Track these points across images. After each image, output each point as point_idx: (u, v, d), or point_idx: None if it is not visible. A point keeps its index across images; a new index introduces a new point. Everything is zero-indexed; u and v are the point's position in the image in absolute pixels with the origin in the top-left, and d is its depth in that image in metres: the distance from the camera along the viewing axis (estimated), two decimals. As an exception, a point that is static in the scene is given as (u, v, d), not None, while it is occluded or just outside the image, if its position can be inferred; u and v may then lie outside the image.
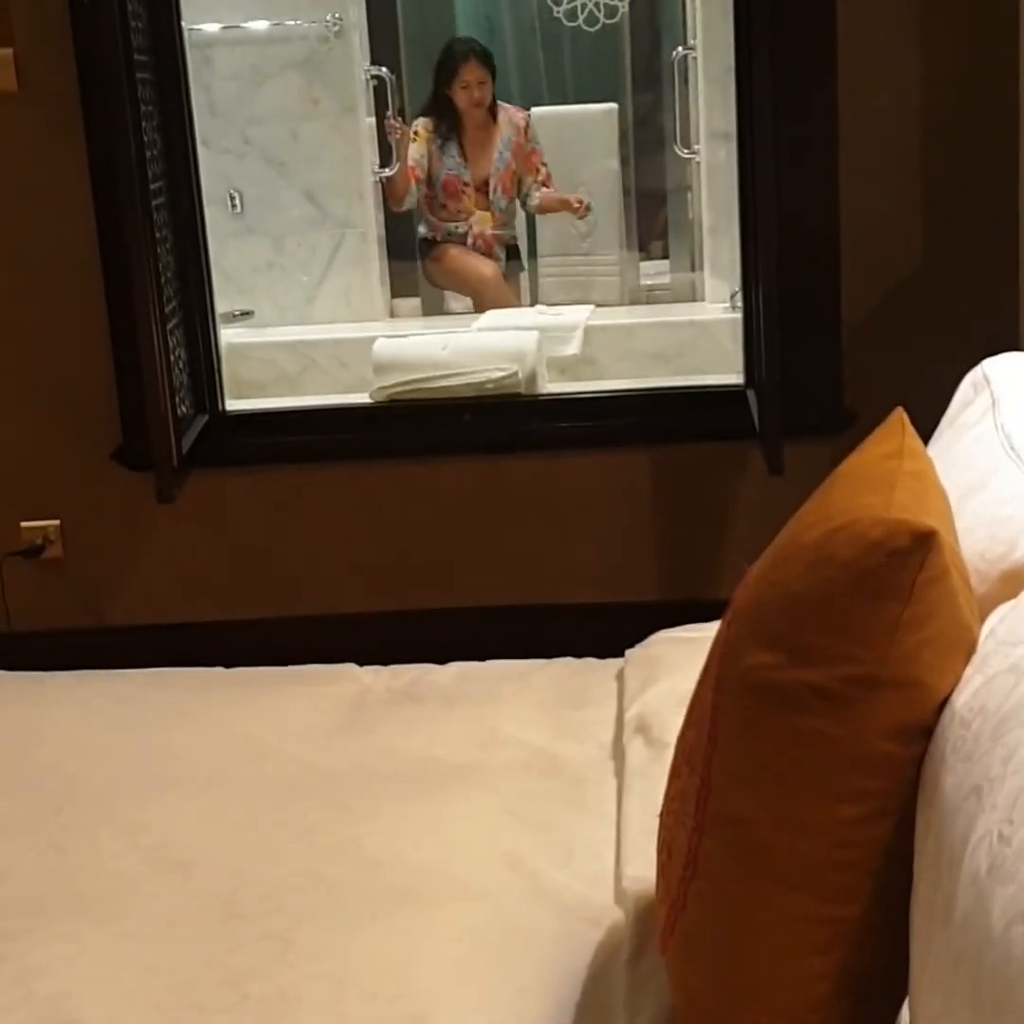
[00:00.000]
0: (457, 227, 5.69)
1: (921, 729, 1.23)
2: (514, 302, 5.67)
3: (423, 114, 5.59)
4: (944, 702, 1.23)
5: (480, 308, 5.49)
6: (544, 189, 5.58)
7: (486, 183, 5.59)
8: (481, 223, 5.64)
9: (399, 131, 5.41)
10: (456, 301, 5.69)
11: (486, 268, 5.68)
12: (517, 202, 5.69)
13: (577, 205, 5.45)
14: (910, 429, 1.46)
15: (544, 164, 5.58)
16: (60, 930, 1.82)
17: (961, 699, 1.21)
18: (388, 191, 5.52)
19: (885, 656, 1.22)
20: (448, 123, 5.56)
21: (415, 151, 5.56)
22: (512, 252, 5.84)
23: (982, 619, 1.31)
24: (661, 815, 1.53)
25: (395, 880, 1.89)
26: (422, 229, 5.82)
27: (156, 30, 3.33)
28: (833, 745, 1.23)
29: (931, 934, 1.13)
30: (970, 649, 1.26)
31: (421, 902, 1.83)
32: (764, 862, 1.29)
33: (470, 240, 5.68)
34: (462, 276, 5.75)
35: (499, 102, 5.53)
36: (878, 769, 1.23)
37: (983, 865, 1.04)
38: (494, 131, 5.54)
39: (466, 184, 5.62)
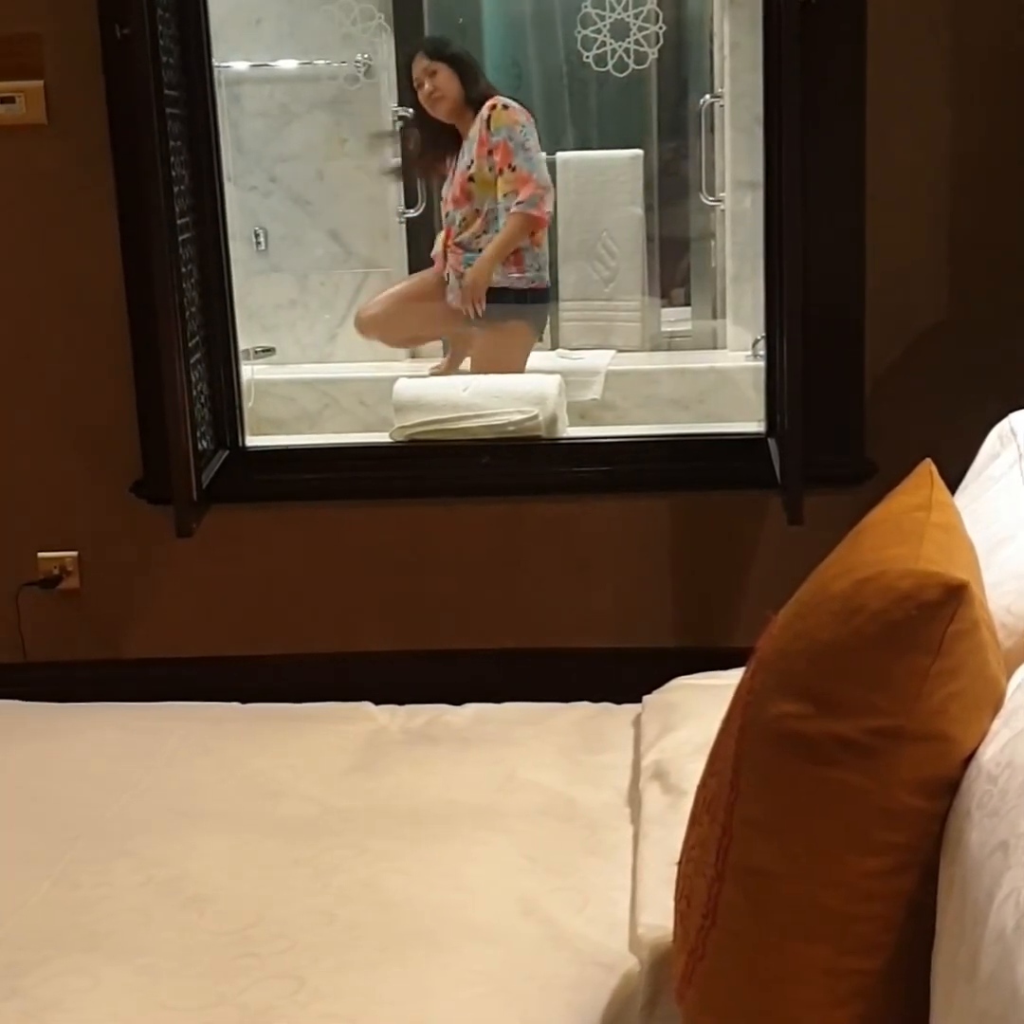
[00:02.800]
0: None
1: (947, 783, 1.22)
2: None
3: None
4: (970, 756, 1.22)
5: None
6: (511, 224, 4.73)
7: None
8: (437, 243, 5.04)
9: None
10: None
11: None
12: (491, 209, 4.80)
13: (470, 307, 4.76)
14: (938, 481, 1.45)
15: (513, 166, 4.70)
16: (73, 964, 1.81)
17: (988, 753, 1.20)
18: None
19: (912, 709, 1.21)
20: (423, 134, 5.00)
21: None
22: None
23: (1009, 673, 1.31)
24: (680, 863, 1.53)
25: (410, 922, 1.88)
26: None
27: (187, 66, 3.36)
28: (858, 797, 1.23)
29: (954, 990, 1.12)
30: (997, 703, 1.26)
31: (435, 945, 1.82)
32: (785, 913, 1.28)
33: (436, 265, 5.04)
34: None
35: (495, 100, 4.79)
36: (903, 822, 1.23)
37: (1010, 922, 1.03)
38: (464, 134, 4.87)
39: (442, 200, 5.02)
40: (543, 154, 4.84)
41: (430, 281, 5.01)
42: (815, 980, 1.26)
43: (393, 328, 5.09)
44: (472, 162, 4.74)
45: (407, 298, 5.06)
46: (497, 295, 4.76)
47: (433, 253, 5.02)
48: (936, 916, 1.21)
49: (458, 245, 4.85)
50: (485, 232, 4.78)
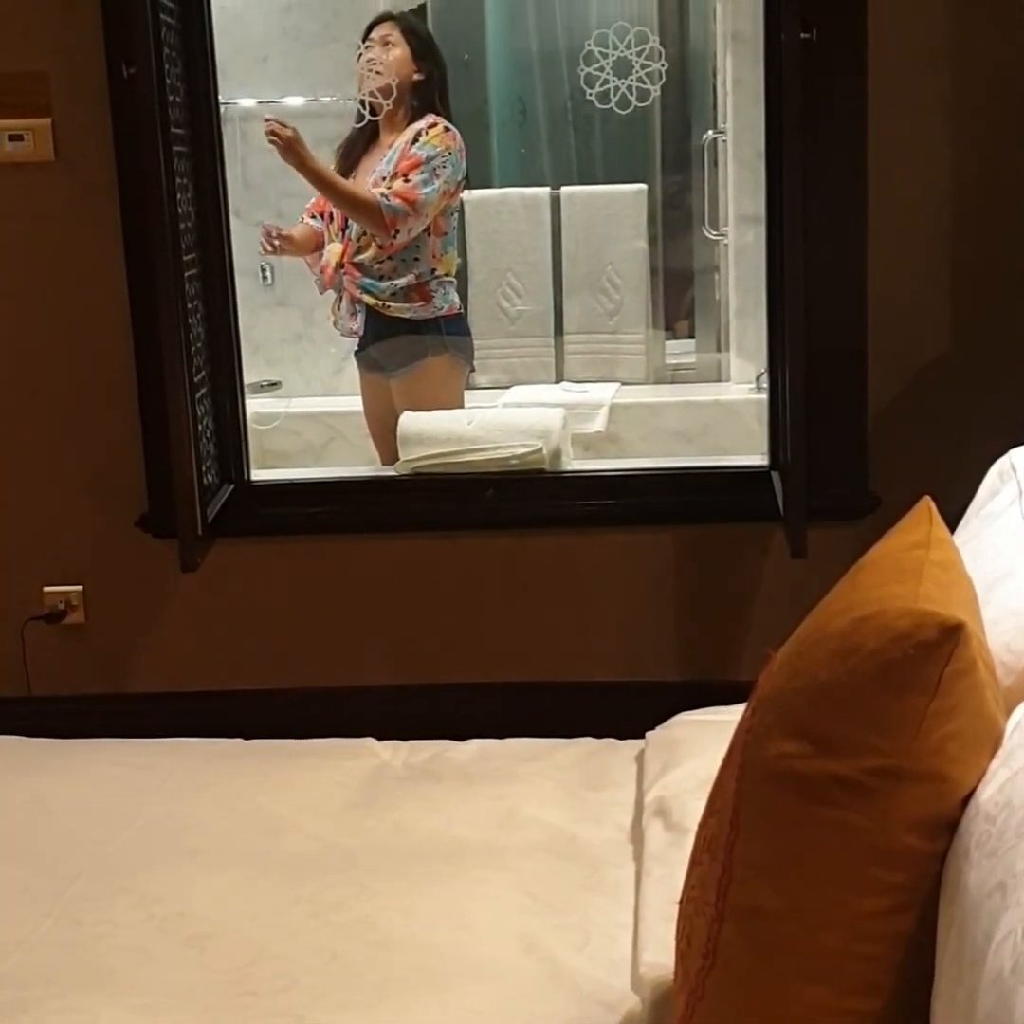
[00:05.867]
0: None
1: (945, 823, 1.22)
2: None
3: None
4: (969, 796, 1.22)
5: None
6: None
7: None
8: (331, 255, 4.27)
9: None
10: (483, 375, 5.66)
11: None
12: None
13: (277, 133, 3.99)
14: (937, 518, 1.45)
15: (407, 177, 4.04)
16: (73, 1002, 1.80)
17: (986, 793, 1.20)
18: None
19: (910, 748, 1.21)
20: (368, 125, 4.19)
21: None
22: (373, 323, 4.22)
23: (1008, 712, 1.30)
24: (681, 902, 1.52)
25: (410, 960, 1.87)
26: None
27: (193, 104, 3.37)
28: (856, 837, 1.23)
29: (952, 1031, 1.12)
30: (996, 743, 1.25)
31: (435, 983, 1.81)
32: (784, 953, 1.27)
33: (315, 273, 4.38)
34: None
35: (439, 119, 4.15)
36: (901, 862, 1.22)
37: (1007, 964, 1.03)
38: (395, 139, 4.17)
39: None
40: (449, 201, 4.18)
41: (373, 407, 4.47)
42: (814, 1021, 1.26)
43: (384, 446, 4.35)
44: (390, 174, 4.10)
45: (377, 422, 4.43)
46: (410, 327, 4.22)
47: (321, 263, 4.31)
48: (935, 957, 1.20)
49: (356, 265, 4.22)
50: (390, 259, 4.15)
